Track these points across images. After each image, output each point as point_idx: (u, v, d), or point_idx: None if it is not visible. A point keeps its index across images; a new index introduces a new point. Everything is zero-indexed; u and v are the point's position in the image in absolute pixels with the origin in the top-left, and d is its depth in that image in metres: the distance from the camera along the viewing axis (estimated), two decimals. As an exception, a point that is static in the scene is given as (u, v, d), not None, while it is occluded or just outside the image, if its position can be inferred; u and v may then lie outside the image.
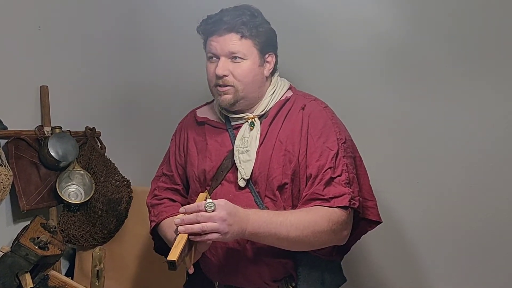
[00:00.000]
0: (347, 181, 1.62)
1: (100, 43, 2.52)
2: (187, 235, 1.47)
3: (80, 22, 2.41)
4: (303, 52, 2.29)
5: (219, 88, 1.69)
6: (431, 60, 2.15)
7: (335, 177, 1.61)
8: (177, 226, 1.49)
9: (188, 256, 1.52)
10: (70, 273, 2.38)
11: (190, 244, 1.51)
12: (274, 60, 1.76)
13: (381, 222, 1.76)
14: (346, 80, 2.28)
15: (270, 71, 1.75)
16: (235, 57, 1.67)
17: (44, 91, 2.23)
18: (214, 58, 1.70)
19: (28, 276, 1.91)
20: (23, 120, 2.16)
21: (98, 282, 2.00)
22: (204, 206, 1.45)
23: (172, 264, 1.41)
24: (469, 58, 2.10)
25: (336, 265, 1.81)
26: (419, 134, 2.19)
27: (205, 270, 1.77)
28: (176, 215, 1.72)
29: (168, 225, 1.72)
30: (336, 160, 1.63)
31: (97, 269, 2.01)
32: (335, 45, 2.28)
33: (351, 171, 1.66)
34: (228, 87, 1.68)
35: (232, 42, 1.66)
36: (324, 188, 1.59)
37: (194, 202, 1.76)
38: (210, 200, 1.46)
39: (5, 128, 2.07)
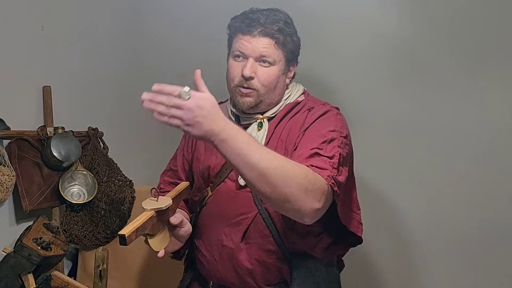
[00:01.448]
0: (335, 166, 1.50)
1: (103, 43, 2.52)
2: (151, 213, 1.41)
3: (82, 22, 2.41)
4: (305, 52, 2.28)
5: (241, 89, 1.66)
6: (434, 60, 2.16)
7: (322, 155, 1.50)
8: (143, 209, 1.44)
9: (155, 238, 1.47)
10: (73, 273, 2.38)
11: (156, 227, 1.46)
12: (295, 69, 1.76)
13: (360, 236, 1.65)
14: (349, 80, 2.29)
15: (290, 79, 1.75)
16: (264, 61, 1.64)
17: (46, 92, 2.23)
18: (241, 58, 1.66)
19: (30, 277, 1.92)
20: (25, 120, 2.16)
21: (101, 282, 2.00)
22: (179, 92, 1.32)
23: (122, 238, 1.34)
24: (473, 59, 2.10)
25: (334, 275, 1.77)
26: (422, 133, 2.20)
27: (199, 268, 1.77)
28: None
29: None
30: (328, 144, 1.54)
31: (100, 269, 2.01)
32: (338, 45, 2.29)
33: (343, 162, 1.55)
34: (251, 90, 1.65)
35: (265, 46, 1.63)
36: (307, 160, 1.49)
37: (197, 199, 1.78)
38: (189, 89, 1.34)
39: (8, 128, 2.07)
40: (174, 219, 1.53)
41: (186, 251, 1.86)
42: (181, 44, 2.55)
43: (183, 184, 1.68)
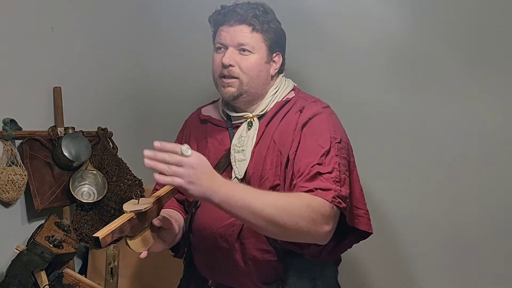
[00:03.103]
0: (337, 179, 1.53)
1: (112, 44, 2.55)
2: (130, 215, 1.40)
3: (92, 24, 2.44)
4: (308, 52, 2.30)
5: (223, 79, 1.68)
6: (437, 60, 2.17)
7: (324, 173, 1.53)
8: (124, 211, 1.42)
9: (135, 240, 1.46)
10: (83, 271, 2.41)
11: (136, 228, 1.44)
12: (281, 60, 1.75)
13: (371, 233, 1.66)
14: (352, 80, 2.30)
15: (276, 70, 1.74)
16: (243, 50, 1.66)
17: (57, 92, 2.26)
18: (222, 49, 1.68)
19: (43, 274, 1.94)
20: (37, 121, 2.20)
21: (112, 279, 2.03)
22: (181, 149, 1.34)
23: (96, 240, 1.32)
24: (476, 58, 2.11)
25: (330, 271, 1.76)
26: (424, 133, 2.20)
27: (198, 267, 1.77)
28: (169, 209, 1.75)
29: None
30: (326, 157, 1.56)
31: (111, 266, 2.03)
32: (341, 45, 2.30)
33: (343, 171, 1.58)
34: (233, 80, 1.66)
35: (243, 33, 1.65)
36: (309, 182, 1.52)
37: (191, 200, 1.75)
38: (190, 149, 1.36)
39: (20, 128, 2.10)
40: (156, 221, 1.50)
41: (185, 250, 1.84)
42: (190, 45, 2.57)
43: (169, 186, 1.60)
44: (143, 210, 1.42)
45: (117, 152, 2.49)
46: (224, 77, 1.68)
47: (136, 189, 2.42)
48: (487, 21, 2.09)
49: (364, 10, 2.25)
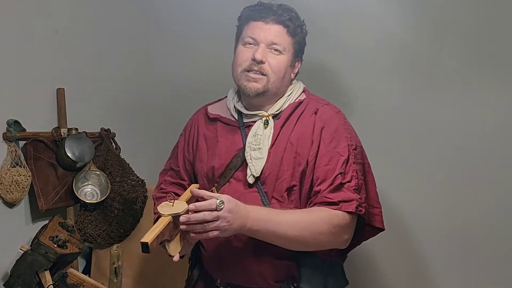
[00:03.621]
0: (356, 187, 1.62)
1: (114, 46, 2.56)
2: (167, 219, 1.43)
3: (95, 26, 2.45)
4: (311, 52, 2.31)
5: (250, 74, 1.67)
6: (440, 60, 2.16)
7: (345, 183, 1.61)
8: (160, 214, 1.47)
9: (171, 243, 1.48)
10: (86, 271, 2.42)
11: (173, 231, 1.47)
12: (299, 66, 1.79)
13: (384, 229, 1.74)
14: (355, 80, 2.30)
15: (295, 75, 1.78)
16: (275, 49, 1.68)
17: (60, 94, 2.28)
18: (251, 44, 1.69)
19: (47, 274, 1.96)
20: (40, 122, 2.21)
21: (116, 279, 2.04)
22: (216, 205, 1.43)
23: (145, 246, 1.36)
24: (478, 58, 2.10)
25: (339, 268, 1.80)
26: (427, 133, 2.20)
27: (207, 266, 1.78)
28: None
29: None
30: (346, 166, 1.63)
31: (115, 266, 2.04)
32: (344, 45, 2.30)
33: (360, 177, 1.66)
34: (261, 76, 1.67)
35: (278, 33, 1.67)
36: (334, 193, 1.59)
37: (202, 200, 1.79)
38: (221, 199, 1.43)
39: (24, 130, 2.12)
40: (201, 235, 1.52)
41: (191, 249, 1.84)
42: (193, 47, 2.58)
43: (194, 186, 1.66)
44: (181, 213, 1.46)
45: (120, 152, 2.50)
46: (251, 71, 1.68)
47: (139, 189, 2.44)
48: (488, 20, 2.09)
49: (365, 9, 2.25)
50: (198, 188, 1.61)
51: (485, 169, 2.12)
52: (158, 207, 1.49)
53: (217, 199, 1.44)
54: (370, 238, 1.78)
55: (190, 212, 1.47)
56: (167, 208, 1.48)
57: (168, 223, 1.44)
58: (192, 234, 1.47)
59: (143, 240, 1.37)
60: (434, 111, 2.18)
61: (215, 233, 1.46)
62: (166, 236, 1.45)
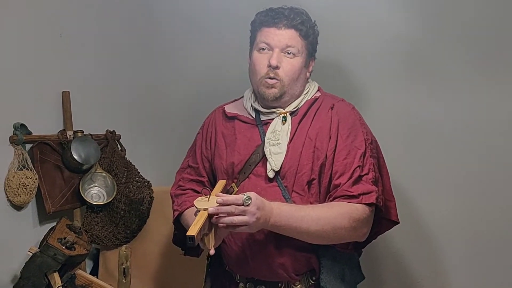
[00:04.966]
0: (374, 179, 1.68)
1: (119, 48, 2.57)
2: (206, 213, 1.50)
3: (99, 29, 2.47)
4: (317, 53, 2.32)
5: (268, 80, 1.73)
6: (446, 60, 2.17)
7: (363, 175, 1.67)
8: (197, 209, 1.54)
9: (208, 237, 1.54)
10: (94, 273, 2.43)
11: (210, 225, 1.53)
12: (313, 64, 1.84)
13: (399, 223, 1.80)
14: (361, 82, 2.31)
15: (309, 74, 1.83)
16: (288, 52, 1.73)
17: (66, 97, 2.29)
18: (266, 50, 1.74)
19: (56, 275, 1.98)
20: (46, 125, 2.23)
21: (125, 280, 2.05)
22: (243, 201, 1.49)
23: (191, 239, 1.42)
24: (484, 58, 2.11)
25: (355, 262, 1.84)
26: (433, 134, 2.21)
27: (227, 262, 1.80)
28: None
29: (190, 215, 1.73)
30: (364, 159, 1.69)
31: (124, 267, 2.06)
32: (349, 48, 2.32)
33: (376, 171, 1.72)
34: (275, 81, 1.73)
35: (291, 37, 1.72)
36: (353, 186, 1.65)
37: None
38: (248, 195, 1.50)
39: (30, 133, 2.13)
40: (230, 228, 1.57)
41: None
42: (196, 49, 2.59)
43: (222, 182, 1.74)
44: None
45: (125, 154, 2.52)
46: (268, 77, 1.73)
47: (145, 190, 2.45)
48: (496, 20, 2.09)
49: (372, 10, 2.27)
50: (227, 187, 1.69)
51: (498, 166, 2.13)
52: (194, 202, 1.57)
53: (244, 194, 1.50)
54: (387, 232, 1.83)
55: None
56: (202, 203, 1.55)
57: (207, 217, 1.51)
58: (220, 225, 1.52)
59: (189, 233, 1.43)
60: (443, 111, 2.18)
61: (243, 227, 1.51)
62: (206, 230, 1.51)
